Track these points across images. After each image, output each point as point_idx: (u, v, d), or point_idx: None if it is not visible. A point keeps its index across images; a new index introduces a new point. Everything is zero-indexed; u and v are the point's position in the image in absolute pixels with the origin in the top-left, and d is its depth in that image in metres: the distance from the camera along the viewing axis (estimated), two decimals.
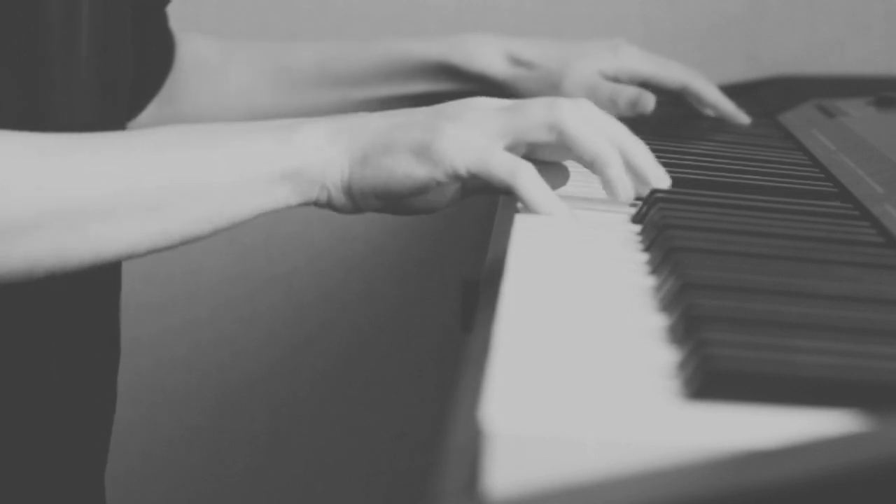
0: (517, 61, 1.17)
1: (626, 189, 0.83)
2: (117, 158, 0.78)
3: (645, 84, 1.16)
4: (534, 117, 0.82)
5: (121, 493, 1.58)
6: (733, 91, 1.38)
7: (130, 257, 0.80)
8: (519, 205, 0.84)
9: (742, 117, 1.18)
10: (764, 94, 1.31)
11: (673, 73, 1.18)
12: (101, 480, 0.99)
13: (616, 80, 1.16)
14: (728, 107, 1.18)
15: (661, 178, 0.85)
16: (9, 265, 0.75)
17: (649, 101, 1.14)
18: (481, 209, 1.49)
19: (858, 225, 0.83)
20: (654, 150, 0.98)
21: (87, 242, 0.77)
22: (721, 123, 1.17)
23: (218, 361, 1.56)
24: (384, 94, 1.18)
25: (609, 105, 1.13)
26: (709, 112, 1.19)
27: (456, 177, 0.81)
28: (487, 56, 1.16)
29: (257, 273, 1.54)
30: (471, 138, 0.81)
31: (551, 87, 1.14)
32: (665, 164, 0.93)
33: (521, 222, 0.80)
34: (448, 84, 1.16)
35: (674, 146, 1.02)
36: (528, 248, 0.75)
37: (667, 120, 1.14)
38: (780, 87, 1.32)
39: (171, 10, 1.46)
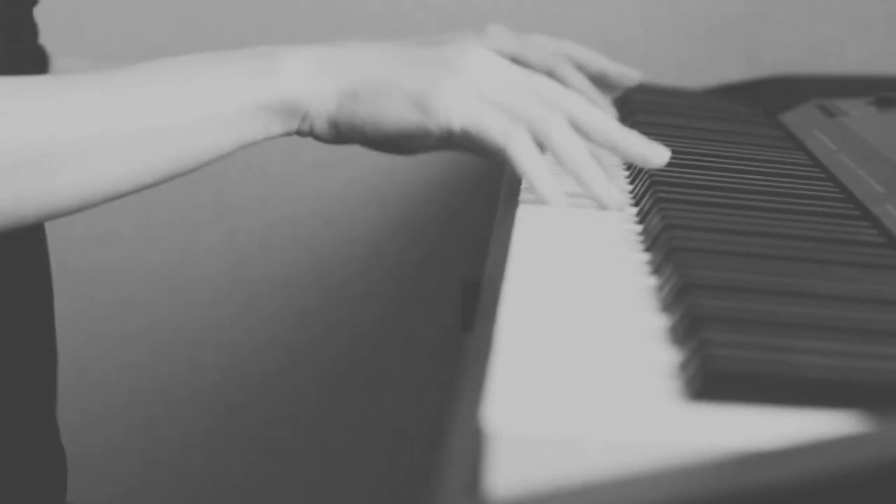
0: None
1: (614, 200, 0.84)
2: (91, 98, 0.76)
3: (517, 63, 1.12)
4: (527, 110, 0.82)
5: (120, 493, 1.59)
6: (733, 91, 1.38)
7: (116, 198, 0.78)
8: (520, 200, 0.84)
9: (630, 75, 1.13)
10: (764, 94, 1.31)
11: (538, 55, 1.09)
12: (53, 419, 0.98)
13: None
14: (611, 68, 1.12)
15: (660, 155, 0.85)
16: None
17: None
18: (481, 209, 1.49)
19: (859, 225, 0.83)
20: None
21: (70, 185, 0.75)
22: (721, 123, 1.17)
23: (217, 362, 1.56)
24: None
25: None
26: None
27: (449, 132, 0.81)
28: None
29: (256, 274, 1.54)
30: (469, 97, 0.81)
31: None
32: (665, 164, 0.93)
33: (521, 223, 0.80)
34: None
35: (674, 146, 1.02)
36: (528, 248, 0.75)
37: (667, 120, 1.14)
38: (780, 87, 1.32)
39: (172, 11, 1.47)
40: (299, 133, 0.82)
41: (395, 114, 0.80)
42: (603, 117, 0.85)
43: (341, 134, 0.82)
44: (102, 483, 1.58)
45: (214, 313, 1.55)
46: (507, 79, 0.83)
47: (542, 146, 0.83)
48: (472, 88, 0.81)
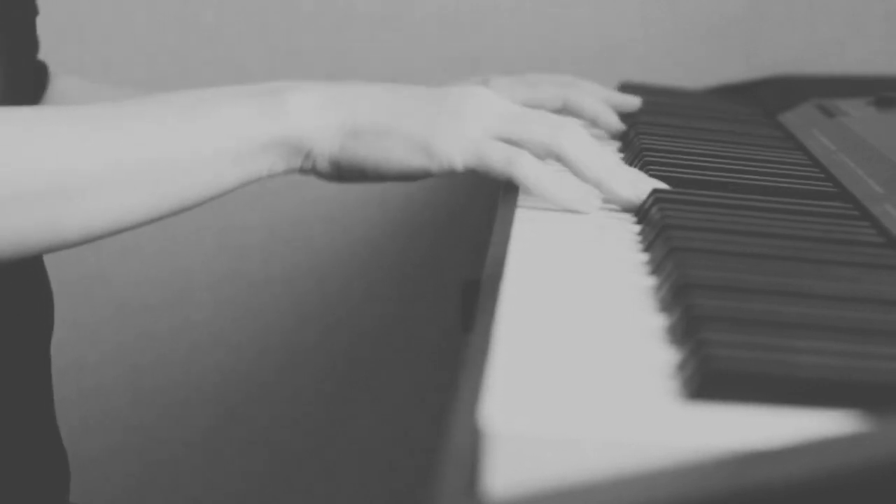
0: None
1: (631, 196, 0.85)
2: (102, 131, 0.77)
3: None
4: (535, 134, 0.83)
5: (121, 494, 1.59)
6: (733, 91, 1.38)
7: (119, 231, 0.79)
8: (519, 201, 0.84)
9: (631, 102, 1.14)
10: (764, 94, 1.31)
11: (547, 93, 1.10)
12: (52, 421, 0.98)
13: None
14: (612, 98, 1.13)
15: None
16: None
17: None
18: (481, 209, 1.49)
19: (858, 225, 0.83)
20: (653, 150, 0.99)
21: (74, 218, 0.76)
22: (721, 123, 1.17)
23: (216, 363, 1.56)
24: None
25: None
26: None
27: (451, 171, 0.81)
28: None
29: (256, 274, 1.54)
30: (468, 135, 0.81)
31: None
32: (665, 164, 0.93)
33: (521, 223, 0.80)
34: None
35: (674, 146, 1.02)
36: (528, 248, 0.75)
37: (667, 120, 1.14)
38: (780, 87, 1.32)
39: (172, 11, 1.47)
40: (301, 171, 0.83)
41: (396, 157, 0.81)
42: (598, 153, 0.85)
43: (343, 172, 0.83)
44: (103, 484, 1.58)
45: (214, 314, 1.55)
46: (508, 115, 0.84)
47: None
48: (473, 128, 0.82)
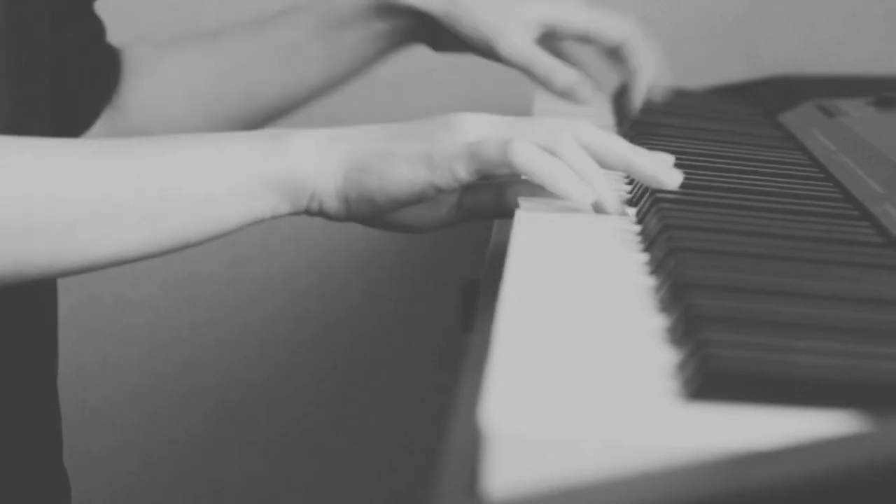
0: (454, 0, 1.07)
1: (613, 204, 0.84)
2: (107, 164, 0.78)
3: (587, 40, 1.11)
4: (535, 137, 0.82)
5: (120, 494, 1.59)
6: (733, 91, 1.38)
7: (120, 263, 0.80)
8: (518, 203, 0.84)
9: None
10: (764, 94, 1.31)
11: (613, 27, 1.10)
12: (60, 464, 0.98)
13: (555, 33, 1.09)
14: (640, 91, 1.13)
15: (674, 178, 0.85)
16: None
17: (583, 94, 1.08)
18: None
19: (858, 225, 0.83)
20: (653, 151, 0.99)
21: (77, 248, 0.77)
22: (721, 123, 1.17)
23: (217, 363, 1.56)
24: (322, 56, 1.10)
25: (543, 84, 1.08)
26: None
27: (456, 180, 0.81)
28: None
29: (256, 274, 1.54)
30: (466, 141, 0.82)
31: (486, 42, 1.06)
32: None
33: (521, 223, 0.80)
34: (383, 24, 1.09)
35: (674, 146, 1.02)
36: (528, 248, 0.75)
37: (667, 120, 1.14)
38: (780, 87, 1.32)
39: (172, 11, 1.47)
40: (308, 212, 0.84)
41: (401, 176, 0.82)
42: (615, 140, 0.85)
43: (351, 207, 0.83)
44: (101, 482, 1.58)
45: (214, 313, 1.55)
46: (502, 123, 0.84)
47: None
48: (469, 136, 0.82)
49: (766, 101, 1.28)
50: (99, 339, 1.55)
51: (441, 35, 1.08)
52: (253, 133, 0.84)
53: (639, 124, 1.10)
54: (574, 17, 1.09)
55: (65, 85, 1.00)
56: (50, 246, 0.76)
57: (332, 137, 0.83)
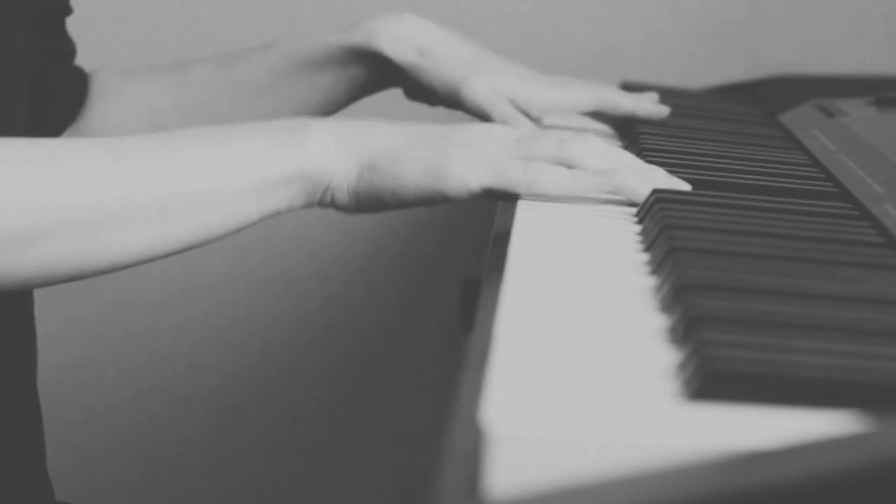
0: (424, 52, 1.08)
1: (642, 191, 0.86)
2: (128, 163, 0.79)
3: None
4: (543, 151, 0.85)
5: (119, 493, 1.59)
6: (733, 91, 1.38)
7: (145, 262, 0.81)
8: (519, 200, 0.84)
9: (659, 110, 1.13)
10: (764, 94, 1.31)
11: (579, 97, 1.10)
12: (44, 472, 0.98)
13: (518, 106, 1.08)
14: (645, 108, 1.12)
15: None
16: (25, 272, 0.76)
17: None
18: (481, 209, 1.49)
19: (858, 225, 0.83)
20: (653, 150, 0.99)
21: (101, 249, 0.78)
22: (721, 123, 1.17)
23: (217, 362, 1.56)
24: (293, 97, 1.10)
25: None
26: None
27: (469, 193, 0.83)
28: (391, 40, 1.08)
29: (256, 273, 1.54)
30: (481, 156, 0.84)
31: (449, 90, 1.07)
32: (666, 164, 0.93)
33: (521, 222, 0.80)
34: (355, 69, 1.09)
35: (674, 146, 1.02)
36: (528, 248, 0.75)
37: (667, 120, 1.14)
38: (780, 87, 1.32)
39: (172, 11, 1.47)
40: (321, 204, 0.85)
41: (411, 180, 0.83)
42: (615, 152, 0.88)
43: (361, 203, 0.85)
44: (103, 482, 1.58)
45: (214, 313, 1.55)
46: (516, 138, 0.86)
47: None
48: (484, 151, 0.84)
49: (766, 101, 1.28)
50: (99, 340, 1.55)
51: (410, 84, 1.09)
52: (272, 125, 0.84)
53: (640, 124, 1.10)
54: (536, 97, 1.08)
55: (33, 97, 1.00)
56: (76, 248, 0.77)
57: (349, 133, 0.84)
